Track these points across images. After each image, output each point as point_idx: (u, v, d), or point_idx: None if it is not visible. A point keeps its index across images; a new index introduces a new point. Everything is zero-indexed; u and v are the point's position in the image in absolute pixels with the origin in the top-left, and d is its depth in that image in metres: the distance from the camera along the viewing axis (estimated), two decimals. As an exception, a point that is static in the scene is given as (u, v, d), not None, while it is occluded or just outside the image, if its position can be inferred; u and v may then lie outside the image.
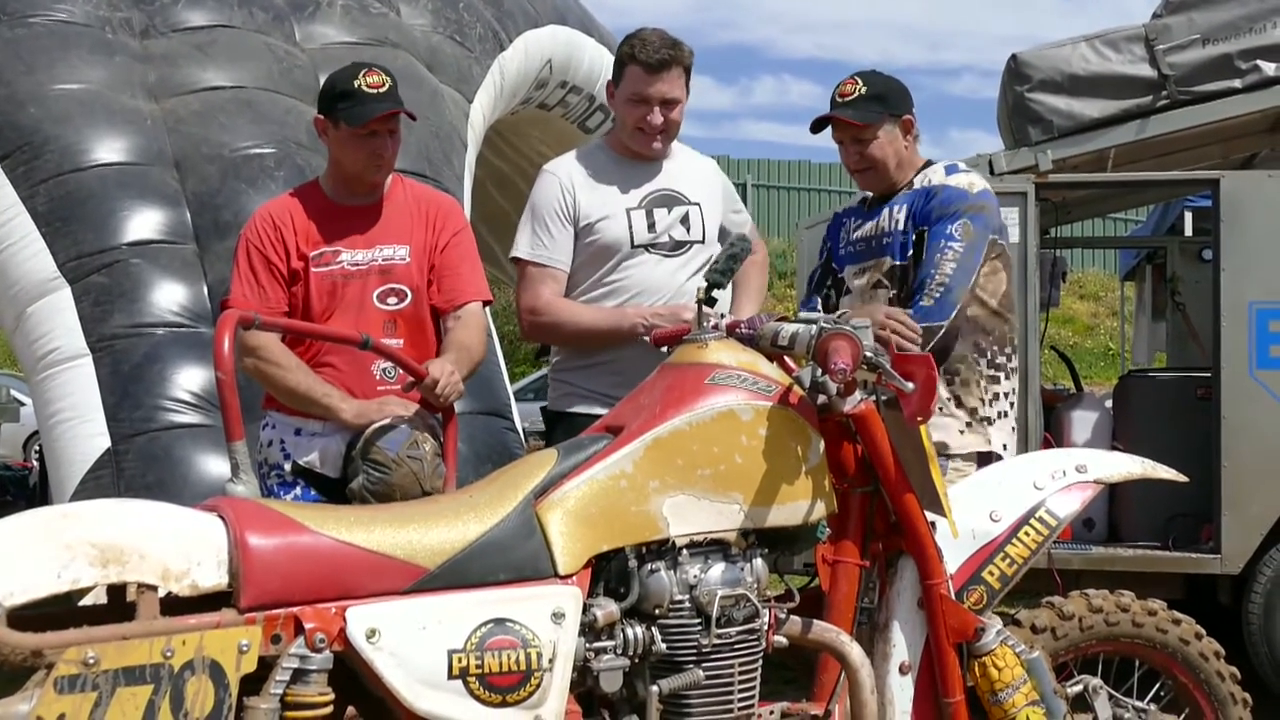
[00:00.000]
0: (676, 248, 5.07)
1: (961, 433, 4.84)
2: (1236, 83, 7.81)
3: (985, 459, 4.83)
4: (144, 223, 6.64)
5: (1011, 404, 4.99)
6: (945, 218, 4.80)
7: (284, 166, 6.85)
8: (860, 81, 4.94)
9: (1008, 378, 4.95)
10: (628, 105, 5.03)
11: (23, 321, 6.64)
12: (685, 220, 5.10)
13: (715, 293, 4.22)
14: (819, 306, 5.06)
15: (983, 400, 4.87)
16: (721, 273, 4.35)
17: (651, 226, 5.04)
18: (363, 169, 4.72)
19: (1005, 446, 4.94)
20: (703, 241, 5.12)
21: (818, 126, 5.01)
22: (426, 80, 7.89)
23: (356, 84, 4.63)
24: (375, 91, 4.62)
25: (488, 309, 4.99)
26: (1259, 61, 7.75)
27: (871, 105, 4.92)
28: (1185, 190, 9.96)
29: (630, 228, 5.03)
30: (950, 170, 5.01)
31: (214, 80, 7.29)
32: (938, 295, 4.72)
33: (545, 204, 5.08)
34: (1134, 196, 11.75)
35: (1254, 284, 7.23)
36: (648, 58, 4.92)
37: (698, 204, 5.14)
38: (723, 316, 3.90)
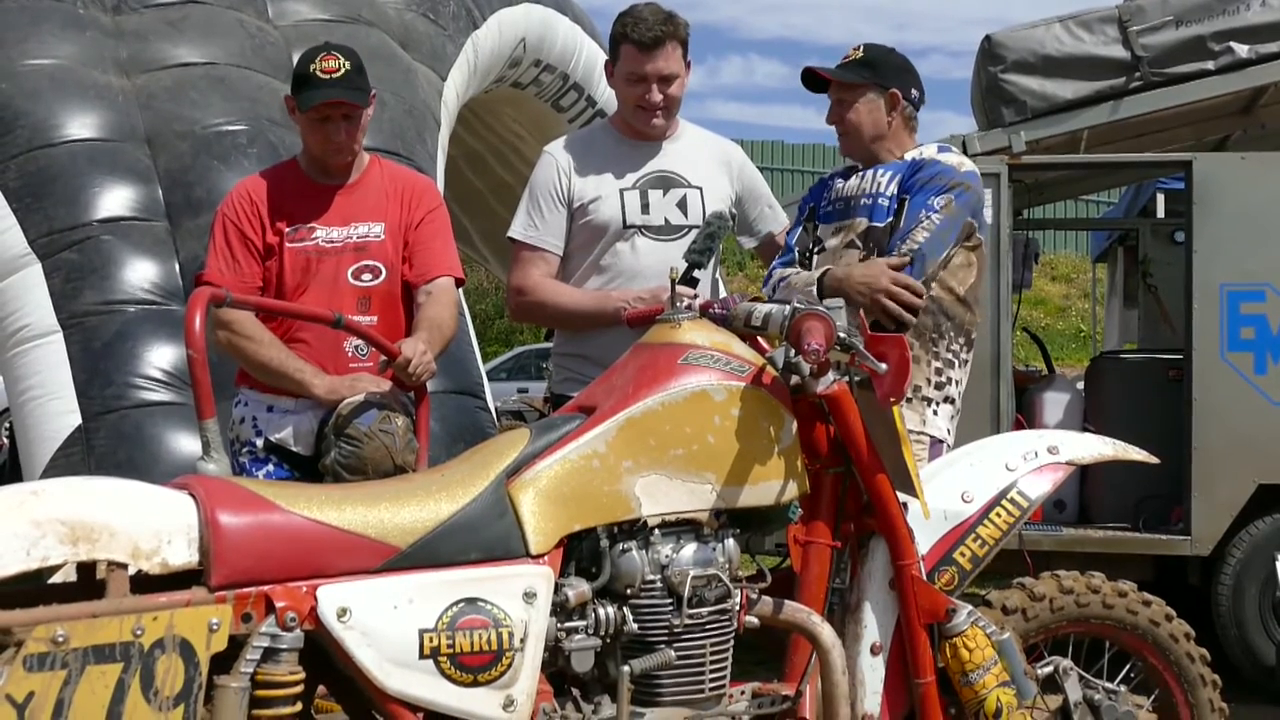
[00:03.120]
0: (672, 231, 5.02)
1: None
2: (1209, 64, 7.84)
3: (935, 446, 4.82)
4: (115, 199, 6.60)
5: (959, 394, 4.96)
6: (929, 188, 4.80)
7: (256, 143, 6.82)
8: (861, 49, 5.00)
9: (960, 367, 4.92)
10: (625, 84, 5.01)
11: (-8, 298, 6.61)
12: (683, 204, 5.05)
13: (696, 273, 4.22)
14: (795, 260, 5.04)
15: (927, 380, 4.84)
16: (700, 252, 4.35)
17: (645, 208, 5.01)
18: (320, 152, 4.75)
19: (949, 433, 4.91)
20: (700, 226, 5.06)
21: (805, 80, 5.06)
22: (400, 58, 7.87)
23: (312, 68, 4.65)
24: (327, 77, 4.62)
25: (460, 288, 4.99)
26: (1232, 43, 7.77)
27: (859, 70, 4.94)
28: (1158, 172, 9.99)
29: (623, 208, 4.99)
30: (943, 149, 5.03)
31: (186, 56, 7.25)
32: (905, 263, 4.72)
33: (541, 185, 5.08)
34: (1107, 178, 11.79)
35: (1225, 266, 7.27)
36: (640, 36, 4.89)
37: (699, 188, 5.08)
38: (696, 297, 3.90)
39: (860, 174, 5.00)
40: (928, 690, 3.75)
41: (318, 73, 4.62)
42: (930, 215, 4.75)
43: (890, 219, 4.85)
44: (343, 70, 4.64)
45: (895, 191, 4.87)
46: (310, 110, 4.63)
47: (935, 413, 4.84)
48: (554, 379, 5.23)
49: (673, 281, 3.74)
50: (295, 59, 7.12)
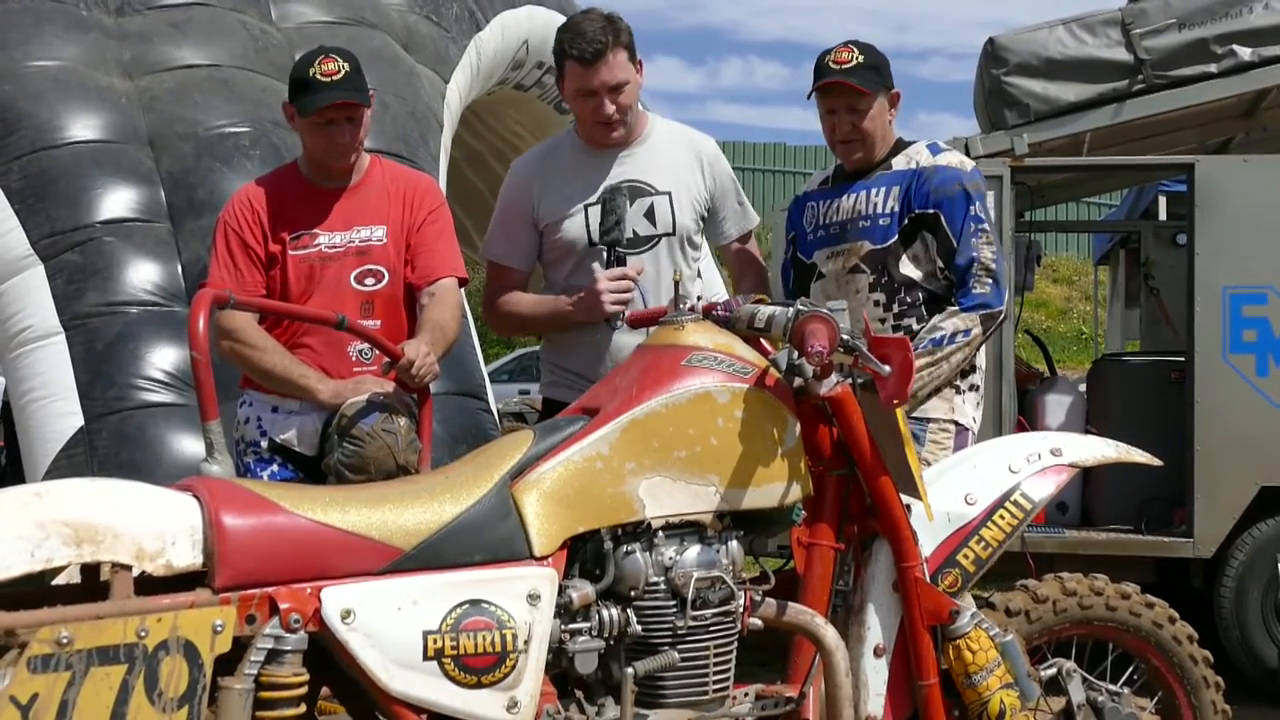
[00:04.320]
0: (641, 243, 4.96)
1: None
2: (1212, 67, 7.85)
3: (961, 433, 4.82)
4: (118, 201, 6.60)
5: (981, 380, 4.97)
6: (954, 198, 4.80)
7: (259, 145, 6.82)
8: (856, 50, 4.89)
9: (972, 355, 4.93)
10: (576, 100, 4.95)
11: (-5, 299, 6.61)
12: (650, 213, 4.98)
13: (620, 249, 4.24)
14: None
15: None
16: (609, 231, 4.43)
17: None
18: (324, 156, 4.73)
19: (975, 420, 4.92)
20: (672, 233, 5.00)
21: (822, 90, 4.94)
22: (402, 60, 7.87)
23: (311, 72, 4.63)
24: (328, 80, 4.61)
25: (463, 289, 4.98)
26: (1234, 46, 7.79)
27: (870, 74, 4.88)
28: (1160, 174, 9.99)
29: (588, 225, 4.94)
30: (934, 150, 4.98)
31: (189, 58, 7.25)
32: (990, 282, 4.78)
33: (507, 205, 5.13)
34: (1109, 180, 11.79)
35: (1227, 268, 7.27)
36: (580, 52, 4.81)
37: (667, 193, 5.01)
38: (699, 299, 3.90)
39: (849, 193, 4.97)
40: (931, 692, 3.76)
41: (317, 76, 4.61)
42: (981, 227, 4.81)
43: (894, 239, 4.84)
44: (342, 72, 4.63)
45: (896, 209, 4.85)
46: (313, 114, 4.63)
47: (964, 400, 4.85)
48: (543, 381, 5.21)
49: (676, 283, 3.74)
50: (297, 62, 7.13)
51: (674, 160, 5.10)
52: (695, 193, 5.09)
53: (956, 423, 4.83)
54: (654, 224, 4.99)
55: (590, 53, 4.81)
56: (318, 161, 4.77)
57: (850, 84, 4.85)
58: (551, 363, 5.12)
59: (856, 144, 4.95)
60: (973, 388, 4.90)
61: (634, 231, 4.96)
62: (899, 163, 4.94)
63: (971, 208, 4.80)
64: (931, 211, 4.82)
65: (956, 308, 4.76)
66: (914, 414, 4.71)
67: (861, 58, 4.87)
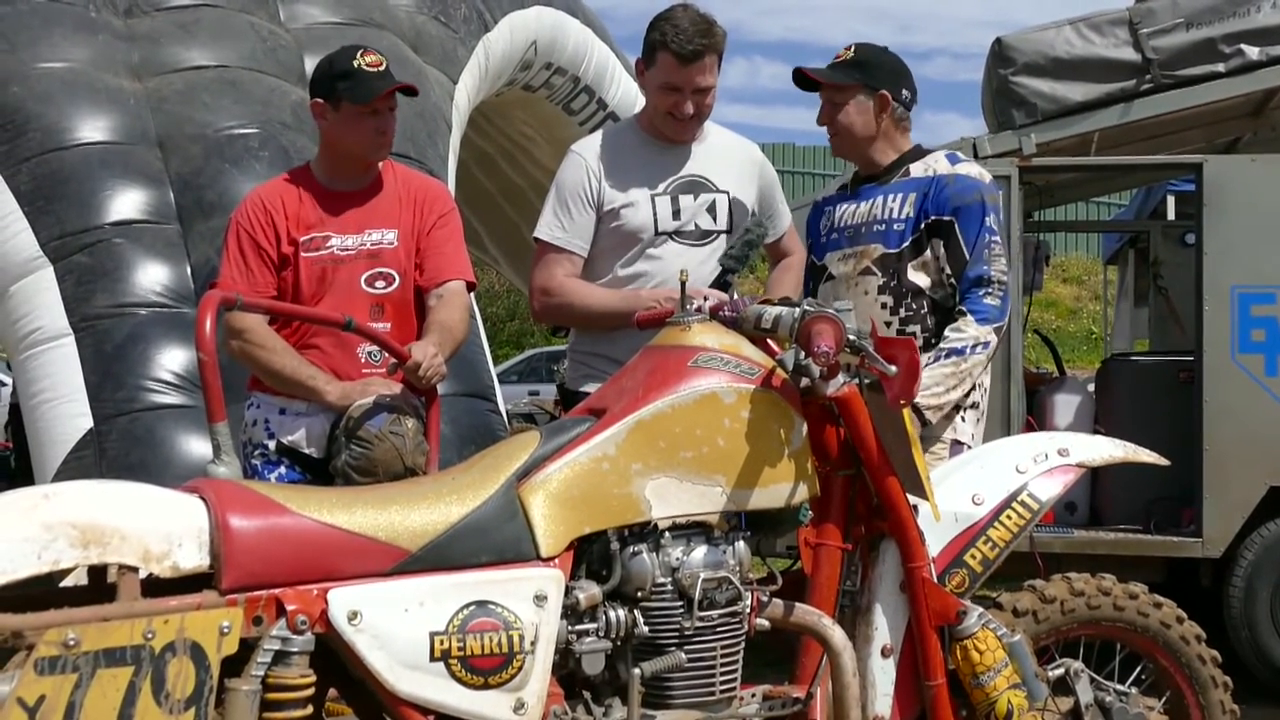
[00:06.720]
0: (703, 237, 4.97)
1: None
2: (1220, 67, 7.83)
3: (957, 447, 4.82)
4: (127, 202, 6.62)
5: (983, 397, 4.97)
6: (970, 207, 4.82)
7: (268, 147, 6.83)
8: (853, 49, 4.98)
9: (985, 372, 4.93)
10: (659, 92, 4.93)
11: (4, 301, 6.62)
12: (712, 209, 5.00)
13: (728, 277, 4.21)
14: None
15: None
16: (736, 259, 4.34)
17: (676, 214, 4.95)
18: (366, 148, 4.74)
19: (974, 436, 4.92)
20: (729, 231, 5.01)
21: (797, 80, 5.07)
22: (411, 61, 7.87)
23: (355, 64, 4.67)
24: (375, 70, 4.68)
25: (472, 292, 4.98)
26: (1242, 45, 7.77)
27: (849, 71, 4.94)
28: (1168, 174, 9.99)
29: (654, 214, 4.93)
30: (953, 159, 5.02)
31: (198, 60, 7.26)
32: (1002, 295, 4.82)
33: (568, 185, 5.00)
34: (1117, 180, 11.77)
35: (1236, 268, 7.26)
36: (680, 48, 4.80)
37: (726, 191, 5.03)
38: (706, 299, 3.90)
39: (866, 199, 4.99)
40: (939, 692, 3.75)
41: (364, 68, 4.67)
42: (994, 239, 4.87)
43: (907, 244, 4.86)
44: (384, 64, 4.73)
45: (912, 215, 4.87)
46: (363, 104, 4.66)
47: (963, 419, 4.85)
48: (570, 375, 5.13)
49: (682, 284, 3.74)
50: (307, 62, 7.12)
51: (730, 161, 5.13)
52: (749, 196, 5.12)
53: (956, 441, 4.83)
54: (715, 220, 5.01)
55: (690, 51, 4.81)
56: (351, 157, 4.78)
57: (811, 74, 5.00)
58: (598, 354, 5.00)
59: (835, 137, 5.05)
60: (974, 405, 4.90)
61: (695, 225, 4.98)
62: (917, 169, 4.96)
63: (987, 219, 4.83)
64: (947, 218, 4.83)
65: (971, 318, 4.77)
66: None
67: (851, 55, 4.99)
